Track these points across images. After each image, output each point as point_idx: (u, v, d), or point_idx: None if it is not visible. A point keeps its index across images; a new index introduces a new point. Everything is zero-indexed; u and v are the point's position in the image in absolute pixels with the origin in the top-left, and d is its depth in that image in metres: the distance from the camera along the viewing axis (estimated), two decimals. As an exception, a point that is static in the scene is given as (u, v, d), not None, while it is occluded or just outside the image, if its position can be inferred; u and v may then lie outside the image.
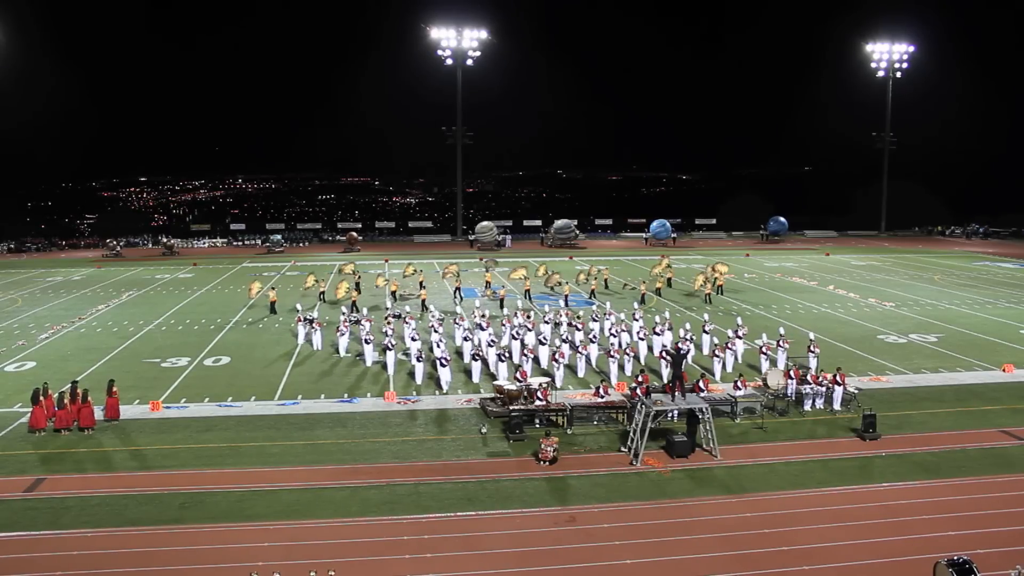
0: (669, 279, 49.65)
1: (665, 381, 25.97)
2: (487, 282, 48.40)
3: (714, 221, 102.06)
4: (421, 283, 46.86)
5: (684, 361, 22.25)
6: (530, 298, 44.52)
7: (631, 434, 20.91)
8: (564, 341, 30.07)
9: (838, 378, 24.92)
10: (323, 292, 45.57)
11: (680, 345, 27.12)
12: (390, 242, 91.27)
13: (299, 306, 37.64)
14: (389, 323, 33.13)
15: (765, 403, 24.40)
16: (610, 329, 32.62)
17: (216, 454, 21.01)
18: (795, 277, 55.88)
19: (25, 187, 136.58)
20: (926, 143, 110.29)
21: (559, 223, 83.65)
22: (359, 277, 48.51)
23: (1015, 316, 40.29)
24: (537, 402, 23.36)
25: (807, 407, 24.61)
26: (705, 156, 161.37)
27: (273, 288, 43.30)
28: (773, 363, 28.60)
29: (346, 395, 26.47)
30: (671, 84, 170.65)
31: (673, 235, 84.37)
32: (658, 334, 31.26)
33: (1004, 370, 29.37)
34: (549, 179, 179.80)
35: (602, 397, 24.36)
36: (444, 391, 26.64)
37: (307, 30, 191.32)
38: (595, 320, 33.00)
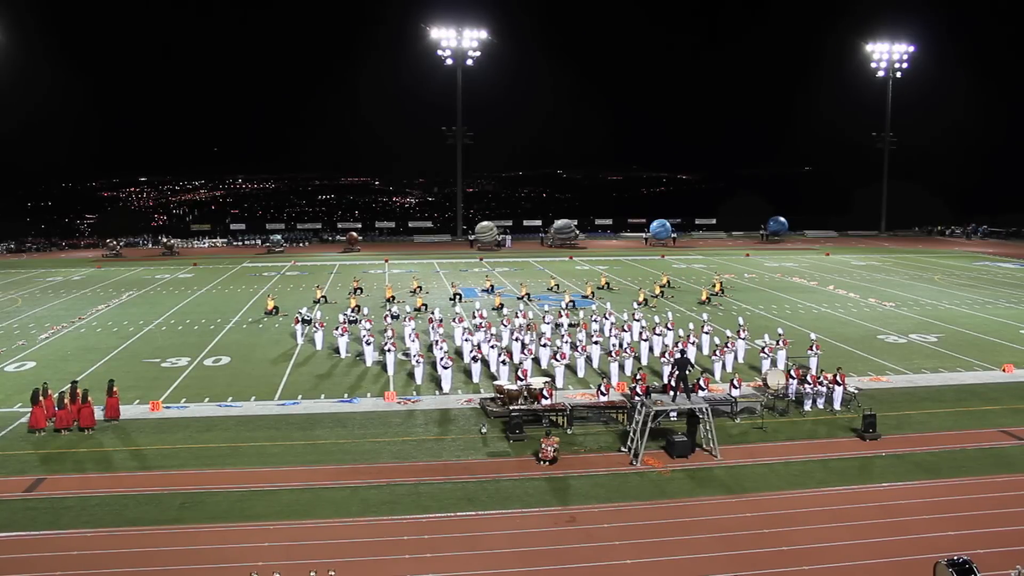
0: (668, 281, 49.72)
1: (665, 381, 25.97)
2: (490, 285, 48.34)
3: (714, 221, 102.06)
4: (419, 287, 47.18)
5: (689, 364, 22.21)
6: (530, 298, 44.51)
7: (631, 434, 20.91)
8: (565, 341, 30.03)
9: (838, 378, 24.92)
10: (324, 296, 45.61)
11: (683, 349, 27.13)
12: (390, 242, 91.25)
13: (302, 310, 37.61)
14: (388, 323, 33.19)
15: (765, 403, 24.40)
16: (610, 329, 32.68)
17: (216, 454, 21.01)
18: (795, 277, 55.88)
19: (25, 187, 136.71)
20: (926, 143, 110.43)
21: (559, 223, 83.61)
22: (358, 282, 48.54)
23: (1015, 316, 40.28)
24: (543, 401, 23.34)
25: (807, 407, 24.61)
26: (705, 156, 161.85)
27: (271, 297, 43.28)
28: (773, 363, 28.61)
29: (346, 395, 26.47)
30: (671, 84, 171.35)
31: (673, 235, 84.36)
32: (659, 335, 31.26)
33: (1004, 370, 29.36)
34: (549, 179, 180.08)
35: (604, 395, 24.35)
36: (444, 391, 26.64)
37: (307, 30, 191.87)
38: (595, 320, 32.99)
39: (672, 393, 21.19)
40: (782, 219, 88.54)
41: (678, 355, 22.74)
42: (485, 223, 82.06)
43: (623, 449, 21.12)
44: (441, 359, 27.48)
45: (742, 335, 31.15)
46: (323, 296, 45.62)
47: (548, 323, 34.01)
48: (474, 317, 34.31)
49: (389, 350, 29.36)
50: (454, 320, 34.49)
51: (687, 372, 21.54)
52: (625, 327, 33.20)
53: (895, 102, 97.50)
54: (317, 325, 33.53)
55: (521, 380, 25.00)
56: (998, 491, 18.62)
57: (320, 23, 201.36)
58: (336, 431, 22.85)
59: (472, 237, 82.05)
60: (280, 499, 18.18)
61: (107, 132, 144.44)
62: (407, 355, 30.14)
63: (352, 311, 38.58)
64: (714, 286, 47.70)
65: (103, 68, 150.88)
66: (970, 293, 47.91)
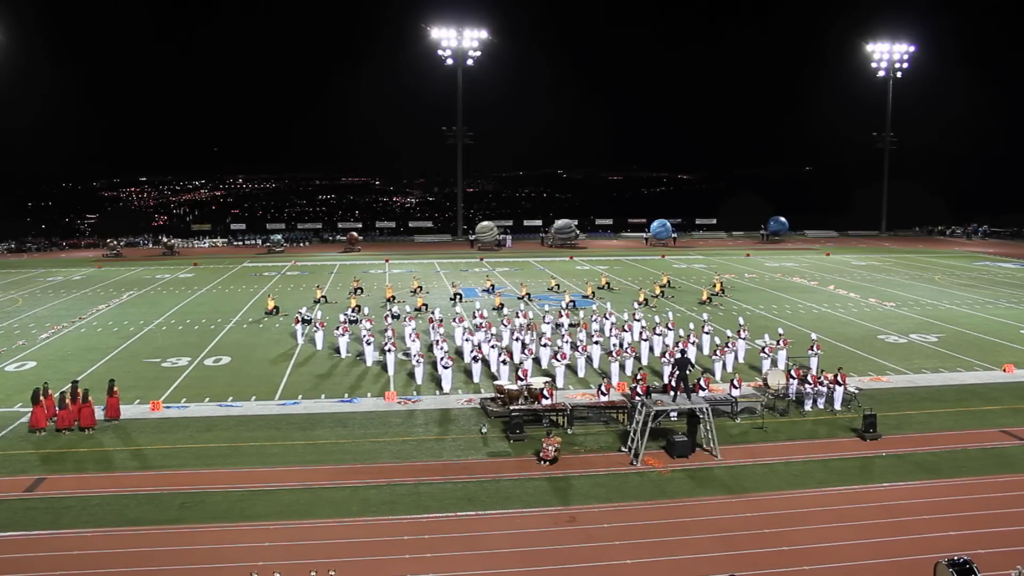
0: (668, 281, 49.74)
1: (665, 381, 25.96)
2: (491, 285, 48.33)
3: (714, 221, 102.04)
4: (419, 287, 47.15)
5: (689, 364, 22.19)
6: (530, 298, 44.50)
7: (631, 434, 20.91)
8: (565, 341, 30.02)
9: (839, 378, 24.91)
10: (324, 296, 45.60)
11: (684, 348, 27.10)
12: (390, 242, 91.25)
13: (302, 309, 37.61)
14: (388, 323, 33.15)
15: (765, 403, 24.40)
16: (611, 329, 32.65)
17: (216, 454, 21.01)
18: (795, 277, 55.87)
19: (25, 187, 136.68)
20: (926, 143, 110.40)
21: (559, 223, 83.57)
22: (358, 282, 48.56)
23: (1015, 316, 40.27)
24: (544, 401, 23.33)
25: (807, 407, 24.60)
26: (705, 156, 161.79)
27: (271, 297, 43.31)
28: (774, 363, 28.59)
29: (346, 395, 26.47)
30: (671, 84, 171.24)
31: (673, 235, 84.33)
32: (659, 335, 31.25)
33: (1004, 370, 29.35)
34: (549, 179, 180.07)
35: (604, 395, 24.34)
36: (445, 391, 26.63)
37: (307, 30, 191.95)
38: (595, 320, 32.97)
39: (672, 393, 21.18)
40: (782, 219, 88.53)
41: (678, 355, 22.73)
42: (485, 223, 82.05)
43: (623, 449, 21.12)
44: (441, 359, 27.48)
45: (742, 335, 31.14)
46: (323, 296, 45.61)
47: (548, 323, 33.99)
48: (474, 317, 34.29)
49: (389, 350, 29.35)
50: (454, 320, 34.47)
51: (687, 372, 21.54)
52: (625, 327, 33.18)
53: (895, 102, 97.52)
54: (317, 325, 33.53)
55: (521, 380, 25.01)
56: (999, 491, 18.62)
57: (320, 23, 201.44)
58: (336, 431, 22.85)
59: (472, 237, 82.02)
60: (280, 499, 18.18)
61: (107, 132, 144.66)
62: (407, 355, 30.13)
63: (352, 311, 38.56)
64: (714, 286, 47.68)
65: (104, 68, 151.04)
66: (970, 293, 47.89)
